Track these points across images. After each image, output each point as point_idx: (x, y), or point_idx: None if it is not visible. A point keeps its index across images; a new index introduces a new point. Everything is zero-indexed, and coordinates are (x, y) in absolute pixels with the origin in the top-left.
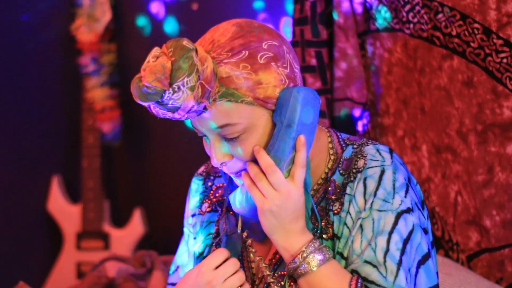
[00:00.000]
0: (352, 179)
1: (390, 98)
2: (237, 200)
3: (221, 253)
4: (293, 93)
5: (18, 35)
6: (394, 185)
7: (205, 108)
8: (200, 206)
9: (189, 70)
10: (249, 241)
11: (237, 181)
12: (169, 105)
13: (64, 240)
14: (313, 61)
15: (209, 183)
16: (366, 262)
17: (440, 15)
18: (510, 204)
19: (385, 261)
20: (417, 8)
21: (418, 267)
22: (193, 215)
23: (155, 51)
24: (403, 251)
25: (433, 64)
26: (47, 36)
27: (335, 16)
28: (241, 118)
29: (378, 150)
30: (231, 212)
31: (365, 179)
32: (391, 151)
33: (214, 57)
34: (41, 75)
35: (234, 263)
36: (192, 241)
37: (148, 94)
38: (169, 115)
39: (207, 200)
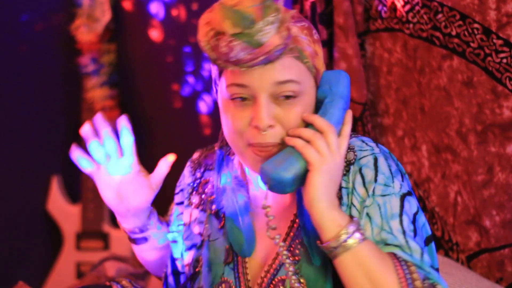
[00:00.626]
0: (344, 172)
1: (389, 98)
2: (276, 165)
3: None
4: (341, 73)
5: (18, 35)
6: (390, 170)
7: (279, 55)
8: (189, 197)
9: (278, 11)
10: (271, 218)
11: (258, 152)
12: (255, 38)
13: (63, 240)
14: None
15: (198, 174)
16: (387, 244)
17: (440, 15)
18: (510, 204)
19: (406, 241)
20: (417, 8)
21: (424, 247)
22: (180, 203)
23: None
24: (415, 232)
25: (432, 64)
26: (47, 36)
27: (335, 16)
28: (301, 79)
29: (363, 141)
30: (212, 212)
31: (360, 169)
32: (376, 142)
33: None
34: (41, 75)
35: None
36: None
37: (245, 19)
38: (245, 52)
39: (196, 193)
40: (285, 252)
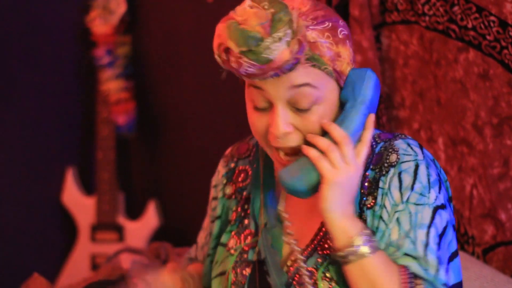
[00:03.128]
0: (384, 173)
1: (406, 90)
2: (292, 174)
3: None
4: (367, 73)
5: (33, 27)
6: (429, 179)
7: (290, 69)
8: (223, 189)
9: (289, 24)
10: (288, 223)
11: (282, 158)
12: (262, 55)
13: (78, 232)
14: None
15: (232, 165)
16: (406, 254)
17: (456, 8)
18: None
19: (425, 254)
20: (433, 0)
21: (448, 263)
22: (214, 198)
23: (247, 1)
24: (439, 246)
25: (448, 56)
26: (62, 28)
27: (351, 8)
28: (319, 84)
29: (409, 145)
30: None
31: (400, 173)
32: (421, 146)
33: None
34: (56, 67)
35: None
36: (209, 223)
37: (249, 37)
38: (254, 68)
39: (230, 183)
40: (302, 265)
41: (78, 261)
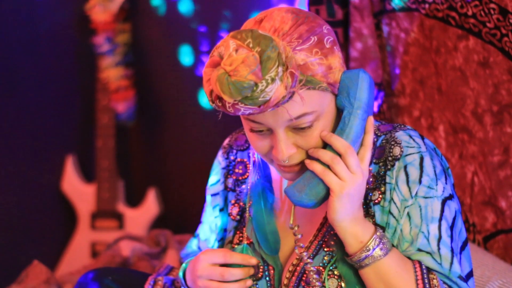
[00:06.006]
0: (389, 167)
1: (406, 78)
2: (298, 191)
3: (223, 256)
4: (360, 75)
5: (32, 15)
6: (435, 171)
7: (287, 100)
8: (224, 181)
9: (278, 59)
10: (299, 236)
11: (285, 175)
12: (259, 99)
13: (78, 220)
14: None
15: (232, 157)
16: (420, 250)
17: None
18: None
19: (439, 248)
20: None
21: (460, 253)
22: (216, 194)
23: (231, 44)
24: (452, 238)
25: (448, 44)
26: (62, 16)
27: None
28: (316, 106)
29: (411, 136)
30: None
31: (405, 166)
32: (422, 137)
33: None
34: (56, 55)
35: (229, 273)
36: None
37: (243, 88)
38: (252, 110)
39: (231, 175)
40: (312, 269)
41: (78, 248)
